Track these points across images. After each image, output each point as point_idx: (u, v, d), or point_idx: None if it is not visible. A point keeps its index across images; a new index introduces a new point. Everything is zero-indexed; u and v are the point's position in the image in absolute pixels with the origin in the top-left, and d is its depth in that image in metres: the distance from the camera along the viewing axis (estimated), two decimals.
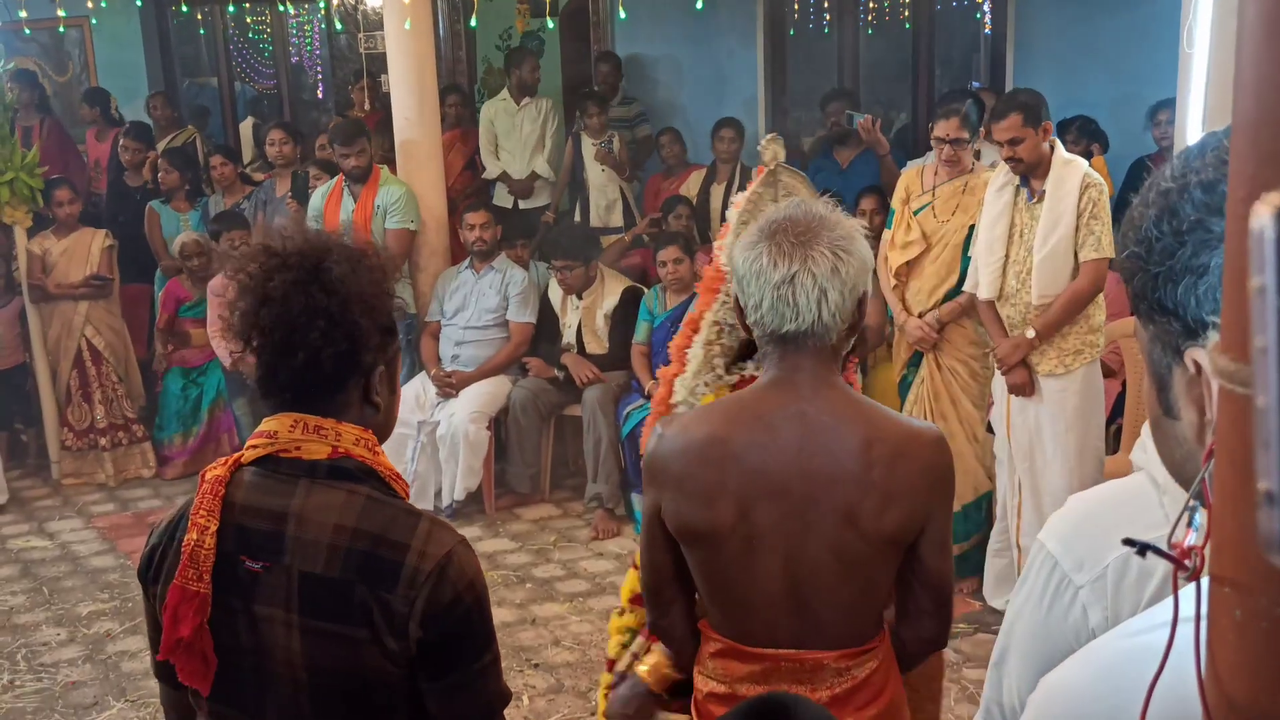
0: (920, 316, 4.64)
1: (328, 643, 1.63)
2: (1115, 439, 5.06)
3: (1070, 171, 4.16)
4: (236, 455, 1.72)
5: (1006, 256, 4.28)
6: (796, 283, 1.83)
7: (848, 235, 1.88)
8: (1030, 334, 4.21)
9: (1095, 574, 1.23)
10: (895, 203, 4.83)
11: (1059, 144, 4.26)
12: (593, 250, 6.15)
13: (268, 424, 1.70)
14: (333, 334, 1.64)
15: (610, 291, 6.02)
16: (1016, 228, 4.27)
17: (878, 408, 1.97)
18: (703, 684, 2.05)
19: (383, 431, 1.78)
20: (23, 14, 7.35)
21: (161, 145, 7.59)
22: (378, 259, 1.75)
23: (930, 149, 4.87)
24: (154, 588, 1.73)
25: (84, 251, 6.52)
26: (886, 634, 2.02)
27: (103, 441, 6.56)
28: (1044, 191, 4.18)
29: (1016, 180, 4.27)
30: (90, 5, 7.70)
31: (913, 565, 1.95)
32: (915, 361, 4.74)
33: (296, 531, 1.65)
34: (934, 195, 4.69)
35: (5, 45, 8.16)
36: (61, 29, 8.94)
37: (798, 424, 1.87)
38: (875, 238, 4.48)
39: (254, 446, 1.70)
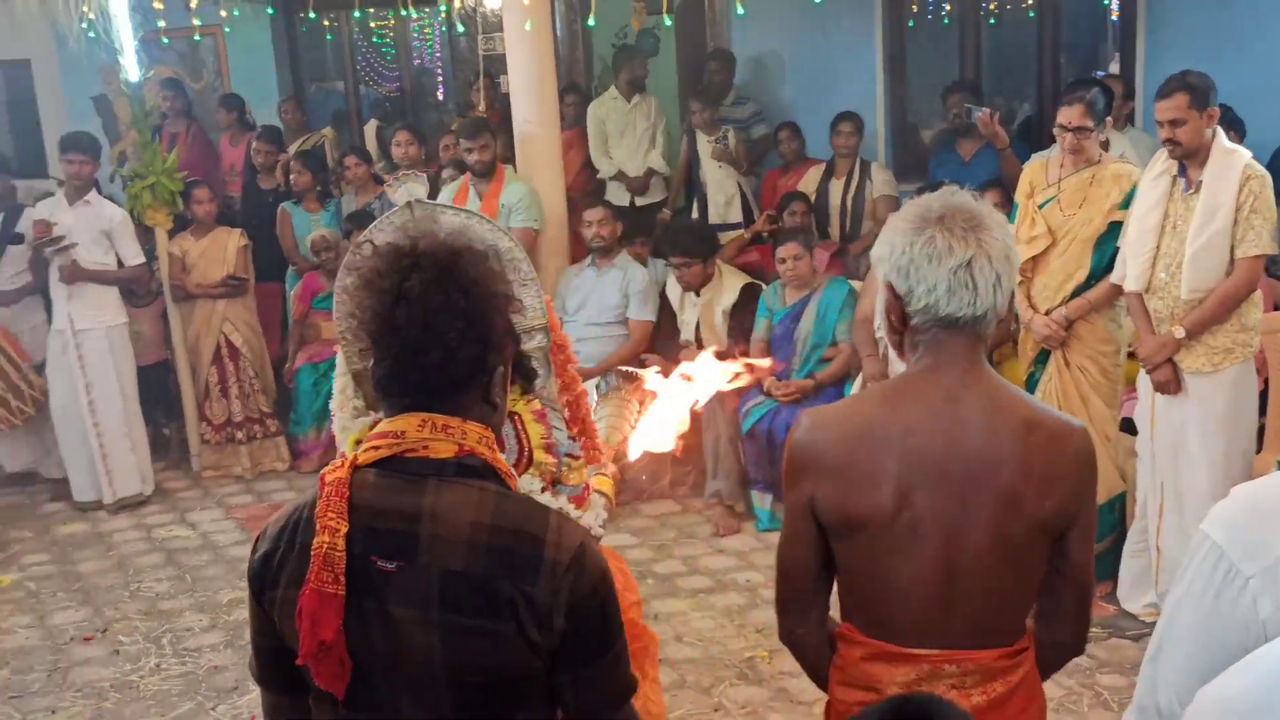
0: (1047, 313, 4.54)
1: (470, 639, 1.63)
2: (1259, 438, 4.88)
3: (1231, 162, 4.00)
4: (353, 457, 1.72)
5: (1157, 248, 4.15)
6: (975, 266, 1.83)
7: (1004, 222, 1.90)
8: (1179, 333, 4.07)
9: (1267, 563, 1.19)
10: (1019, 196, 4.74)
11: (1221, 133, 4.08)
12: (711, 247, 6.16)
13: (393, 424, 1.70)
14: (468, 334, 1.66)
15: (728, 288, 6.03)
16: (1170, 219, 4.12)
17: (1029, 396, 1.98)
18: (845, 694, 2.00)
19: (497, 431, 1.79)
20: (161, 24, 7.66)
21: (292, 148, 7.83)
22: (499, 260, 1.78)
23: (1055, 141, 4.76)
24: (271, 593, 1.72)
25: (220, 252, 6.77)
26: (1031, 637, 1.99)
27: (239, 435, 6.82)
28: (1201, 182, 4.03)
29: (1174, 170, 4.12)
30: (224, 14, 7.99)
31: (1059, 559, 1.93)
32: (1042, 359, 4.64)
33: (432, 530, 1.65)
34: (1059, 188, 4.59)
35: (145, 54, 8.49)
36: (197, 38, 9.29)
37: (956, 407, 1.87)
38: None
39: (375, 447, 1.69)
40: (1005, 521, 1.86)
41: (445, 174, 6.88)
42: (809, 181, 6.86)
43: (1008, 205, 5.32)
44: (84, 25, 7.33)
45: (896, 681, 1.93)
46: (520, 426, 2.67)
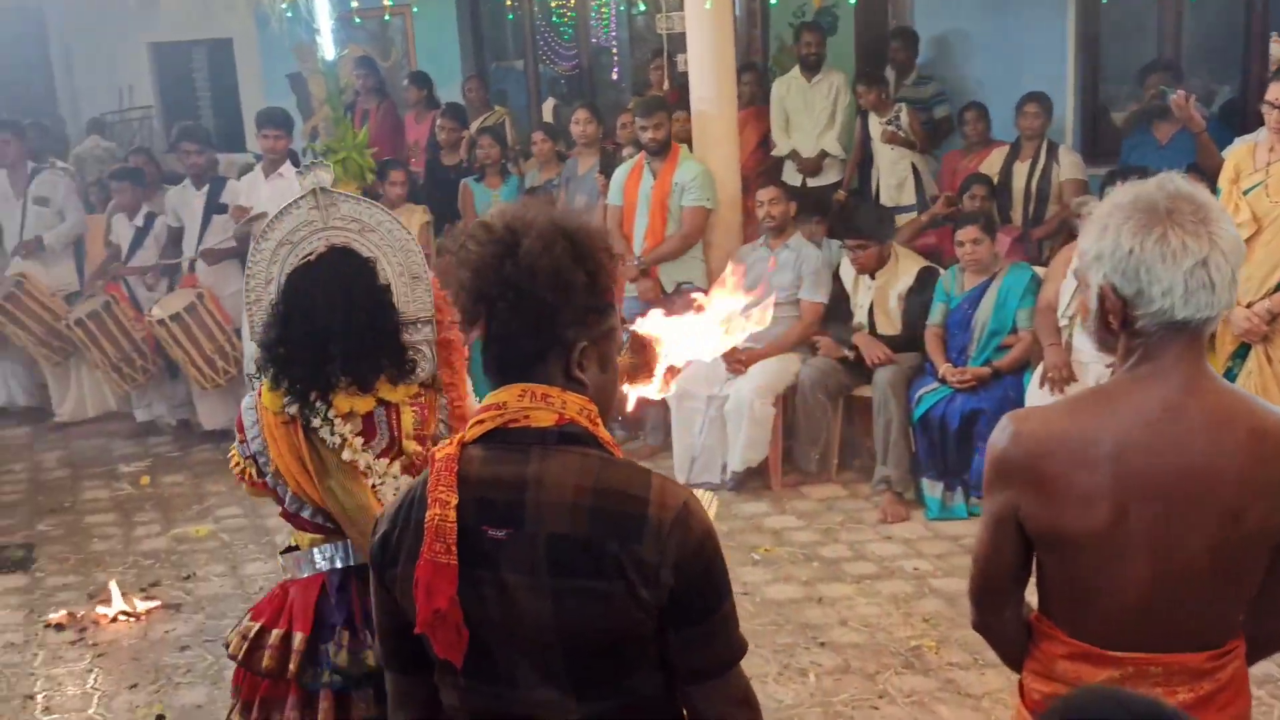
0: (1249, 306, 4.31)
1: (581, 601, 1.66)
2: None
3: None
4: (461, 434, 1.76)
5: None
6: (1211, 265, 1.72)
7: (1226, 211, 1.79)
8: None
9: None
10: (1223, 182, 4.51)
11: None
12: (888, 229, 6.06)
13: (494, 396, 1.75)
14: (520, 306, 1.69)
15: (904, 271, 5.92)
16: None
17: (1257, 400, 1.87)
18: (1043, 685, 1.96)
19: (605, 408, 1.80)
20: (354, 4, 7.96)
21: (475, 125, 8.03)
22: (584, 236, 1.75)
23: (1261, 124, 4.51)
24: (391, 571, 1.76)
25: None
26: (1242, 633, 1.92)
27: None
28: None
29: None
30: None
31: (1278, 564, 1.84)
32: (1241, 353, 4.41)
33: (537, 496, 1.68)
34: (1267, 173, 4.36)
35: (339, 34, 8.83)
36: (387, 17, 9.60)
37: (1177, 418, 1.78)
38: None
39: (480, 421, 1.74)
40: (1225, 539, 1.77)
41: (625, 152, 6.96)
42: (991, 164, 6.67)
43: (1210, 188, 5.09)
44: (284, 6, 7.67)
45: (1099, 681, 1.87)
46: (394, 415, 2.74)
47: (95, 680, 4.46)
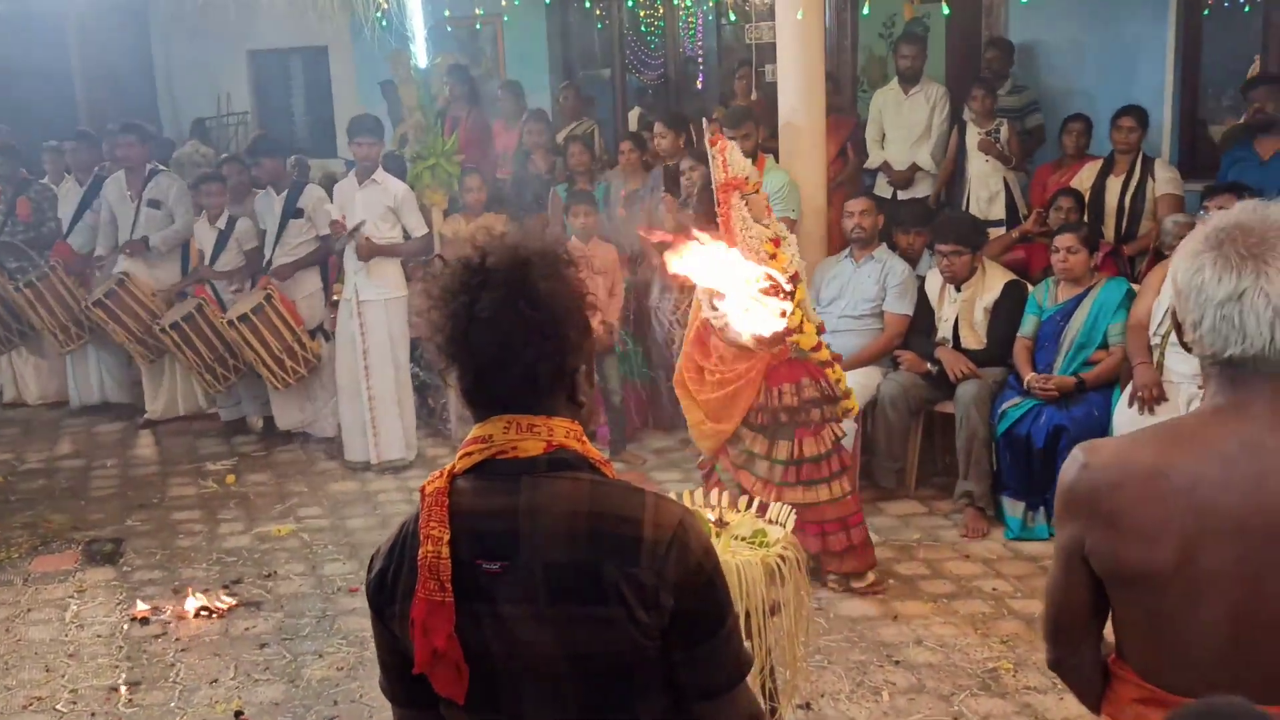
0: None
1: (583, 627, 1.64)
2: None
3: None
4: (450, 466, 1.74)
5: None
6: (1245, 301, 1.64)
7: None
8: None
9: None
10: None
11: None
12: (981, 238, 5.95)
13: (480, 430, 1.72)
14: (545, 347, 1.67)
15: (991, 285, 5.81)
16: None
17: None
18: None
19: (587, 423, 1.79)
20: (446, 13, 8.07)
21: (563, 133, 8.07)
22: (571, 259, 1.74)
23: None
24: (390, 609, 1.74)
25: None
26: None
27: None
28: None
29: None
30: (504, 3, 8.33)
31: None
32: None
33: (530, 526, 1.66)
34: None
35: (431, 42, 8.95)
36: (478, 26, 9.72)
37: (1257, 455, 1.68)
38: None
39: (468, 454, 1.72)
40: None
41: (687, 164, 6.88)
42: (1083, 178, 6.53)
43: None
44: (378, 15, 7.81)
45: None
46: None
47: (177, 674, 4.55)
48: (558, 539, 1.66)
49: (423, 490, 1.73)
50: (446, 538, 1.67)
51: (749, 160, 4.62)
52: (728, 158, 4.40)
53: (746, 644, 1.79)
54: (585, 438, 1.76)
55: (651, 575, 1.63)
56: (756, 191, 4.52)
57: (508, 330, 1.66)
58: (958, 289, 5.83)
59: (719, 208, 4.35)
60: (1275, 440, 1.69)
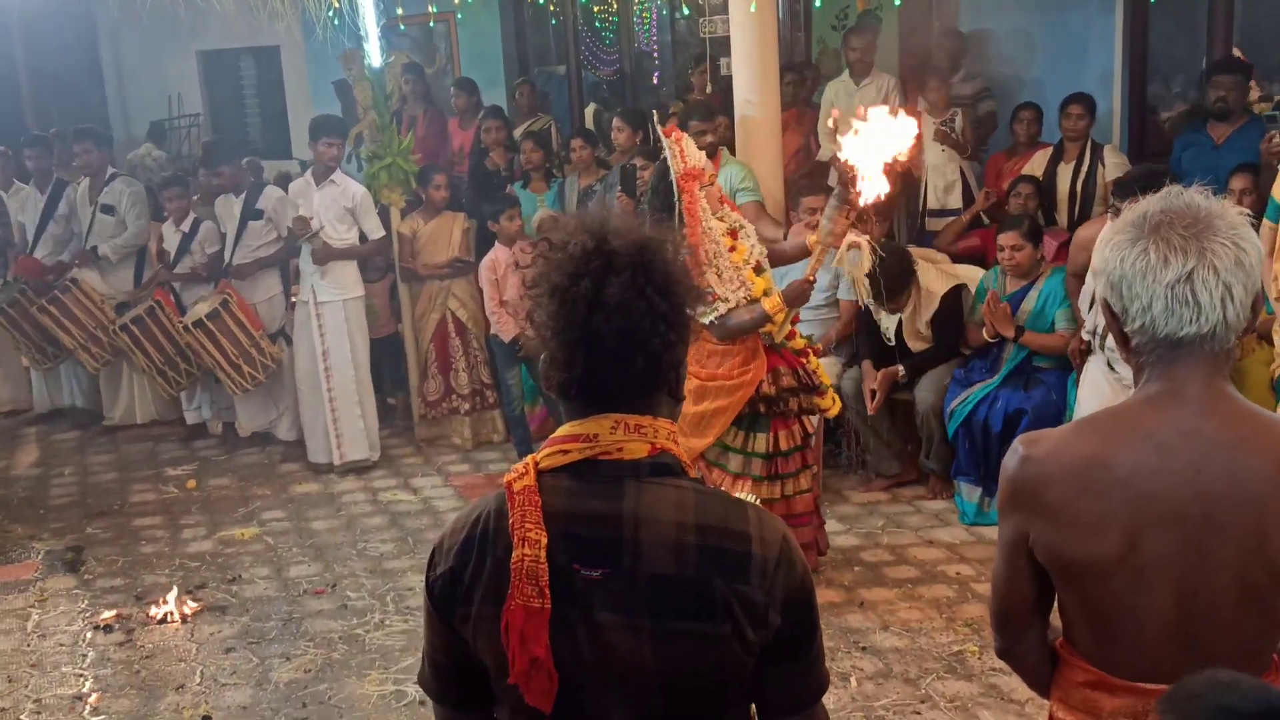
0: None
1: (685, 643, 1.59)
2: None
3: None
4: (533, 460, 1.65)
5: None
6: (1196, 279, 1.66)
7: (1240, 223, 1.70)
8: None
9: None
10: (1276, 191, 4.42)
11: None
12: (908, 275, 5.79)
13: (584, 426, 1.64)
14: (669, 337, 1.61)
15: (929, 301, 5.79)
16: None
17: None
18: (1064, 713, 1.91)
19: (674, 420, 1.73)
20: (399, 10, 8.01)
21: (520, 130, 8.04)
22: (680, 243, 1.69)
23: None
24: (461, 609, 1.66)
25: (446, 234, 7.04)
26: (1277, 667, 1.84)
27: (465, 406, 7.06)
28: None
29: None
30: (457, 0, 8.27)
31: None
32: None
33: (635, 534, 1.60)
34: None
35: (384, 40, 8.88)
36: (431, 24, 9.65)
37: (1193, 442, 1.71)
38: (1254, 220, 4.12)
39: (564, 451, 1.63)
40: (1249, 568, 1.70)
41: (637, 162, 6.87)
42: (1035, 165, 6.59)
43: (1256, 191, 5.02)
44: (330, 13, 7.74)
45: (1114, 710, 1.81)
46: None
47: (143, 681, 4.51)
48: (664, 550, 1.59)
49: (509, 485, 1.64)
50: (544, 541, 1.59)
51: (703, 152, 4.64)
52: (685, 148, 4.42)
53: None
54: (679, 439, 1.69)
55: (762, 593, 1.59)
56: (712, 183, 4.54)
57: (636, 317, 1.58)
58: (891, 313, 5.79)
59: (683, 196, 4.36)
60: (1210, 427, 1.71)
